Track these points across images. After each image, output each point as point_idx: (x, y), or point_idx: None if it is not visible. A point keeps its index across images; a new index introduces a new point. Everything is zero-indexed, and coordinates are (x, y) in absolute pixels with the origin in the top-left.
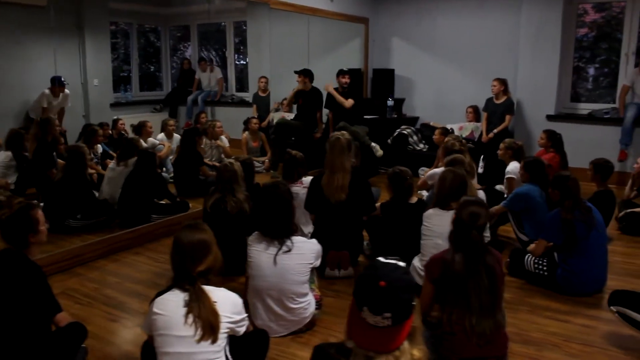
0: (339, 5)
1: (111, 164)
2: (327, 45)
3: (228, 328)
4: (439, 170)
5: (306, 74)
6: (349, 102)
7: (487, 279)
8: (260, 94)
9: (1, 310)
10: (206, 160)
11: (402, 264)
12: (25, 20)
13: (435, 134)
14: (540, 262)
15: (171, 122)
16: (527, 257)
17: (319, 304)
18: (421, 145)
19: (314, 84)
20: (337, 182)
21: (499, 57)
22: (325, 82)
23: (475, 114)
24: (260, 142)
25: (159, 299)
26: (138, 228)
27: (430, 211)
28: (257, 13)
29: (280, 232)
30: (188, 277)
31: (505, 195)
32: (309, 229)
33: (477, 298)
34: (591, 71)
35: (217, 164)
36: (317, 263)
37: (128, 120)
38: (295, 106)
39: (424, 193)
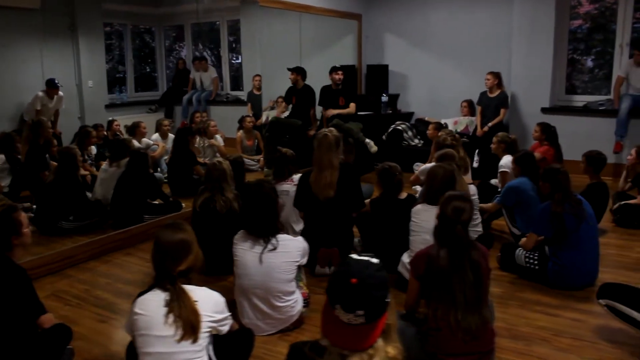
0: (331, 1)
1: (104, 165)
2: (320, 42)
3: (210, 327)
4: (431, 165)
5: (298, 72)
6: (353, 107)
7: (472, 274)
8: (255, 92)
9: None
10: (201, 160)
11: (375, 260)
12: (18, 23)
13: (429, 129)
14: (531, 256)
15: (166, 122)
16: (517, 251)
17: (306, 302)
18: (416, 141)
19: (308, 81)
20: (325, 179)
21: (492, 51)
22: (320, 79)
23: (469, 108)
24: (255, 141)
25: (139, 299)
26: (130, 229)
27: (419, 207)
28: (250, 11)
29: (265, 231)
30: (168, 276)
31: (499, 189)
32: (300, 226)
33: (462, 293)
34: (586, 63)
35: None
36: (304, 261)
37: (123, 121)
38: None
39: (418, 188)
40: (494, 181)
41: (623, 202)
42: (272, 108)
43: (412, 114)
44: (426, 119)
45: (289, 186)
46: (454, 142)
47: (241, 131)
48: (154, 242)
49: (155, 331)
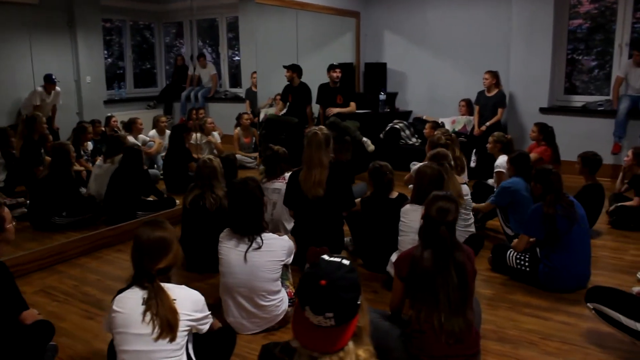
0: None
1: (98, 160)
2: (318, 39)
3: (188, 326)
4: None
5: (294, 69)
6: (353, 107)
7: (456, 276)
8: (254, 89)
9: None
10: (197, 156)
11: (346, 262)
12: (17, 18)
13: (425, 128)
14: (522, 257)
15: (163, 118)
16: (509, 252)
17: (292, 301)
18: (413, 140)
19: (306, 78)
20: (315, 177)
21: (491, 50)
22: (318, 76)
23: (468, 107)
24: (252, 138)
25: (118, 297)
26: (121, 225)
27: (408, 207)
28: (248, 8)
29: (249, 229)
30: (147, 274)
31: (495, 189)
32: (291, 224)
33: (445, 295)
34: (586, 63)
35: None
36: (289, 260)
37: (122, 117)
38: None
39: None
40: (490, 181)
41: (619, 204)
42: (271, 105)
43: (410, 112)
44: (424, 117)
45: (280, 184)
46: (448, 141)
47: (238, 128)
48: (134, 239)
49: (132, 329)
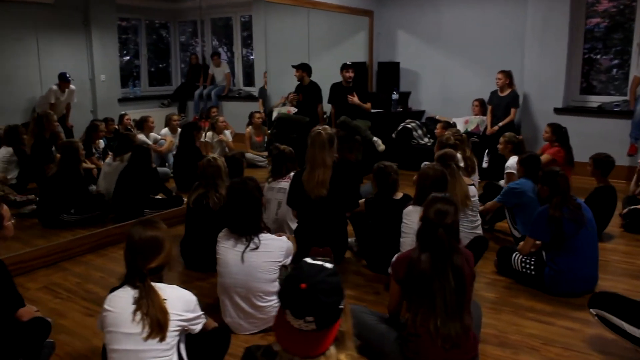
0: None
1: (108, 158)
2: (331, 38)
3: (179, 326)
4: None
5: (304, 69)
6: (369, 107)
7: (453, 280)
8: (267, 88)
9: None
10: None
11: (329, 265)
12: (33, 17)
13: (437, 127)
14: (527, 260)
15: (175, 117)
16: (514, 255)
17: None
18: (425, 140)
19: (319, 78)
20: (318, 177)
21: (505, 49)
22: (331, 75)
23: (481, 107)
24: (264, 137)
25: (110, 296)
26: (127, 223)
27: (410, 208)
28: (261, 7)
29: (247, 229)
30: (139, 274)
31: None
32: (296, 224)
33: (442, 299)
34: (604, 62)
35: None
36: (288, 261)
37: (136, 115)
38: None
39: None
40: (502, 182)
41: (632, 207)
42: (284, 104)
43: (423, 112)
44: (437, 117)
45: (286, 184)
46: (457, 141)
47: (250, 127)
48: (126, 238)
49: (122, 328)
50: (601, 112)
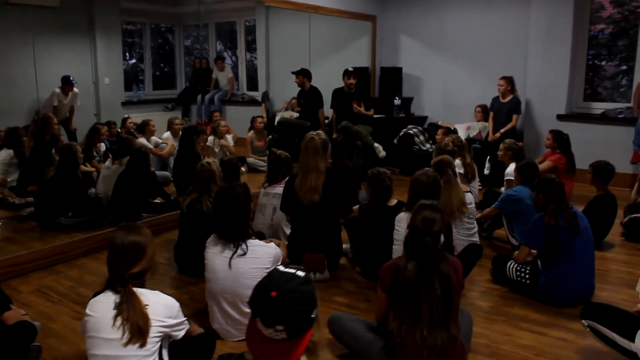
0: (345, 3)
1: (107, 162)
2: (334, 43)
3: (160, 332)
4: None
5: (304, 74)
6: (372, 113)
7: (440, 289)
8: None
9: None
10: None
11: (301, 273)
12: (37, 20)
13: (438, 133)
14: (522, 269)
15: (177, 120)
16: (509, 264)
17: None
18: (427, 146)
19: (322, 83)
20: (310, 183)
21: (508, 55)
22: (333, 80)
23: (483, 113)
24: (265, 142)
25: (91, 301)
26: None
27: (402, 214)
28: (263, 12)
29: (235, 235)
30: (120, 279)
31: None
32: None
33: (428, 309)
34: (609, 69)
35: None
36: None
37: (139, 118)
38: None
39: None
40: (502, 189)
41: (633, 215)
42: (286, 109)
43: (425, 117)
44: (439, 123)
45: (282, 189)
46: (456, 148)
47: (252, 131)
48: (109, 242)
49: (102, 333)
50: (604, 119)
